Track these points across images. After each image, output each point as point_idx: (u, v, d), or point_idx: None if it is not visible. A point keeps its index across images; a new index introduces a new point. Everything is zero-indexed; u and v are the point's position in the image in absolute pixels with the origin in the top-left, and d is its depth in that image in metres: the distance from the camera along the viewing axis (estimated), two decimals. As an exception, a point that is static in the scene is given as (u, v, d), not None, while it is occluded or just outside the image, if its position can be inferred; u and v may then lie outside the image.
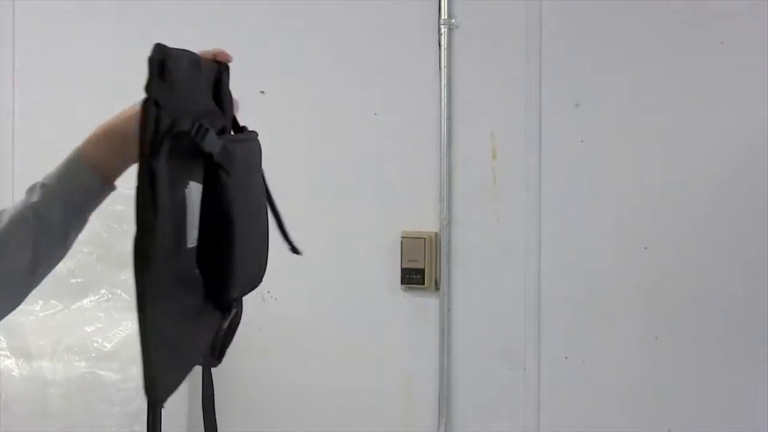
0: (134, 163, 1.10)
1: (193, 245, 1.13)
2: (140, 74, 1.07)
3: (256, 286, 1.34)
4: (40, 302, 2.67)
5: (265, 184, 1.39)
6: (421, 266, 2.62)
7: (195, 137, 1.11)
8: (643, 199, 2.46)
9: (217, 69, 1.30)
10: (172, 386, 1.11)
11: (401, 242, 2.63)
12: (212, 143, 1.14)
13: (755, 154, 2.35)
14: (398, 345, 2.68)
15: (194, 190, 1.13)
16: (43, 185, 1.23)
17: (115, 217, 2.57)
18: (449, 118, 2.59)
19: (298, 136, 2.74)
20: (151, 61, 1.08)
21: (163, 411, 1.07)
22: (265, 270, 1.36)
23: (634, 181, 2.46)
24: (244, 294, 1.30)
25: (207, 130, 1.13)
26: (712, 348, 2.41)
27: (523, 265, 2.55)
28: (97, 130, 1.25)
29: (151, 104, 1.06)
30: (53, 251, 1.25)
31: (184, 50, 1.17)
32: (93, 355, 2.51)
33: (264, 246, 1.35)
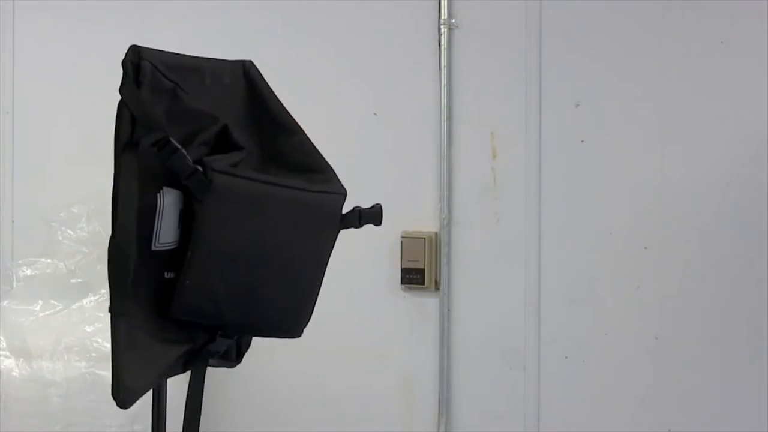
0: None
1: (161, 248, 1.11)
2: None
3: (262, 332, 1.28)
4: (40, 302, 2.67)
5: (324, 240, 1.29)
6: (421, 266, 2.62)
7: (159, 152, 1.07)
8: (643, 199, 2.46)
9: (242, 66, 1.27)
10: (140, 389, 1.11)
11: (401, 242, 2.63)
12: (178, 164, 1.08)
13: (755, 154, 2.35)
14: (398, 345, 2.68)
15: (169, 195, 1.11)
16: None
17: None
18: (449, 118, 2.59)
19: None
20: (125, 64, 1.08)
21: (168, 410, 1.08)
22: (289, 323, 1.29)
23: (634, 181, 2.46)
24: (226, 332, 1.21)
25: (176, 149, 1.07)
26: (711, 348, 2.41)
27: (523, 265, 2.55)
28: None
29: (123, 107, 1.07)
30: None
31: (177, 54, 1.16)
32: (93, 355, 2.51)
33: (275, 296, 1.25)
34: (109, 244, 1.09)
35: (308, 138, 1.32)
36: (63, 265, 2.72)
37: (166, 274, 1.13)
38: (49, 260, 2.75)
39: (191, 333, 1.19)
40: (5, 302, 2.66)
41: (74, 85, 2.95)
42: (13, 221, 3.04)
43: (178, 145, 1.08)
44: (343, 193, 1.30)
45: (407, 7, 2.64)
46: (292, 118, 1.31)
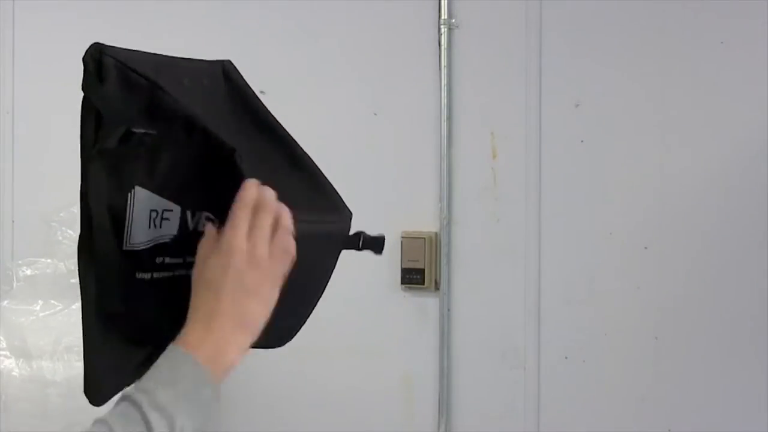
0: None
1: (132, 249, 1.11)
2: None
3: (257, 347, 1.27)
4: (40, 302, 2.66)
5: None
6: (421, 266, 2.61)
7: (125, 147, 1.06)
8: (643, 199, 2.46)
9: (222, 66, 1.25)
10: (111, 389, 1.12)
11: (401, 242, 2.63)
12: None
13: (755, 154, 2.35)
14: (398, 345, 2.68)
15: (140, 195, 1.10)
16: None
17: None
18: (449, 118, 2.59)
19: (298, 136, 2.72)
20: (85, 60, 1.06)
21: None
22: (284, 339, 1.29)
23: (634, 181, 2.46)
24: None
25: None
26: (711, 348, 2.41)
27: (523, 265, 2.55)
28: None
29: (87, 105, 1.06)
30: None
31: (152, 53, 1.14)
32: (93, 355, 2.51)
33: (280, 317, 1.20)
34: (78, 243, 1.08)
35: (300, 147, 1.32)
36: (63, 265, 2.72)
37: (137, 274, 1.12)
38: (49, 260, 2.75)
39: (157, 336, 1.17)
40: (5, 302, 2.66)
41: (74, 85, 2.94)
42: (13, 221, 3.05)
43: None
44: (348, 217, 1.30)
45: (407, 7, 2.64)
46: (275, 119, 1.30)
